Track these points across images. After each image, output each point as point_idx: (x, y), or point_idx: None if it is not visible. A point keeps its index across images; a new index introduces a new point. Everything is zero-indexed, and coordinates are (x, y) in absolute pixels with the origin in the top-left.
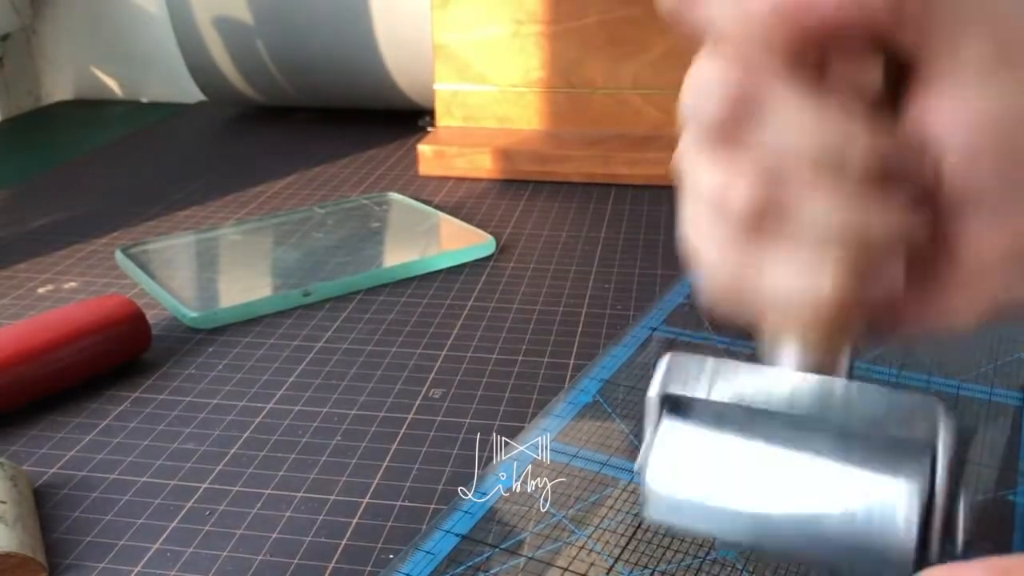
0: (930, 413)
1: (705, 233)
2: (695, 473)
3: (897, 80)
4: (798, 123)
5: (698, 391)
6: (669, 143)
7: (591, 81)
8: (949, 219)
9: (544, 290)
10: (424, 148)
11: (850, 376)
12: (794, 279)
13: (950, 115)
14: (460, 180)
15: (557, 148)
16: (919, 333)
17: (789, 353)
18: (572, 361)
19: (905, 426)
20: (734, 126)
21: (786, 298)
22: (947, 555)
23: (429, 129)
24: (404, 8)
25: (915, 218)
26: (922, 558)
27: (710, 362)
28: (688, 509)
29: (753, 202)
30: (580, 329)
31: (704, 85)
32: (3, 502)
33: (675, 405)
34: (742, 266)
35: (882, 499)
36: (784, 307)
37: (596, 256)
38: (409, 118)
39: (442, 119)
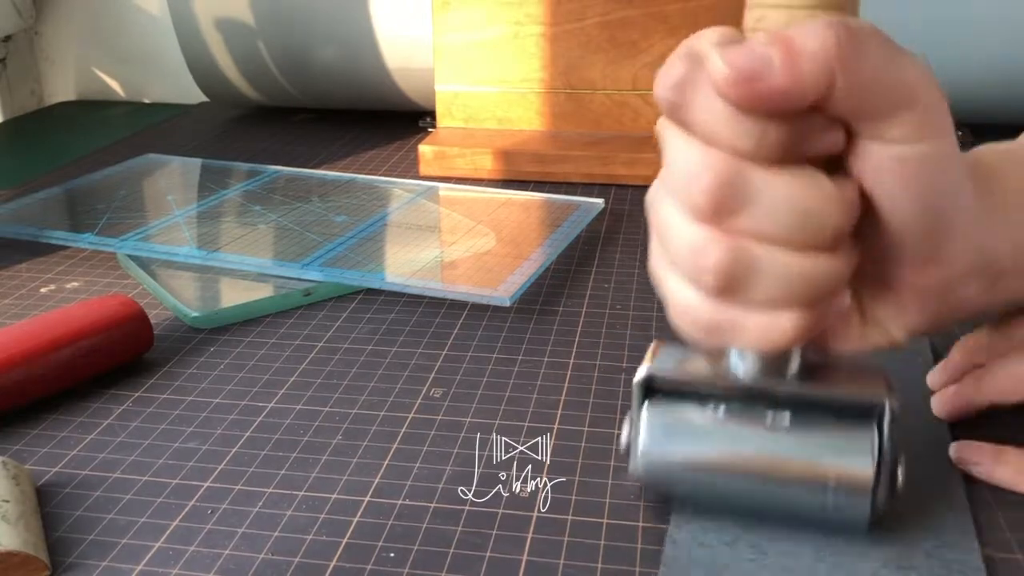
0: (876, 382)
1: (675, 283)
2: (680, 440)
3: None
4: (777, 197)
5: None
6: None
7: (591, 82)
8: (887, 263)
9: (544, 290)
10: (425, 149)
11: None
12: (759, 321)
13: (876, 167)
14: (461, 180)
15: (557, 148)
16: (858, 348)
17: (748, 363)
18: (571, 360)
19: (855, 394)
20: (719, 208)
21: (752, 336)
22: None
23: (430, 130)
24: (404, 9)
25: (861, 263)
26: (873, 503)
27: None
28: (674, 471)
29: (726, 268)
30: (580, 328)
31: (693, 172)
32: (6, 501)
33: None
34: (711, 314)
35: (842, 458)
36: (749, 341)
37: (596, 256)
38: (409, 119)
39: (443, 120)
